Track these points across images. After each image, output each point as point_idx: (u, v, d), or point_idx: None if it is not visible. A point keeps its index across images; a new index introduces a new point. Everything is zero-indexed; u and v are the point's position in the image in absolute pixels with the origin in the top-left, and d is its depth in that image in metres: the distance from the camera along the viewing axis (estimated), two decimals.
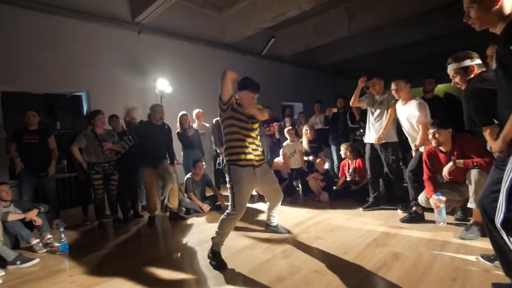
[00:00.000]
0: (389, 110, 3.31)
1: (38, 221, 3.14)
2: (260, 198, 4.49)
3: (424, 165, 2.84)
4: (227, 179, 2.39)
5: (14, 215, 3.00)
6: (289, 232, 2.99)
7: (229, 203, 2.36)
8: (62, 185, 4.79)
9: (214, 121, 5.07)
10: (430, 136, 2.72)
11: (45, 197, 3.80)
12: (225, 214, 2.37)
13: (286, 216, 3.62)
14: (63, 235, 2.95)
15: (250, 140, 2.42)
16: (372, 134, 3.49)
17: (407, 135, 3.25)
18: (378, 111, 3.43)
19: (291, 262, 2.33)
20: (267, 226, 3.06)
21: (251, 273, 2.17)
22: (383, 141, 3.35)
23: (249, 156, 2.38)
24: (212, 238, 2.40)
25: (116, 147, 3.80)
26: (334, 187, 4.57)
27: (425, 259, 2.19)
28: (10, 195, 3.11)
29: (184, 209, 4.13)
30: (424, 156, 2.85)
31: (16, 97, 4.77)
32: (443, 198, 2.60)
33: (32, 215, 3.09)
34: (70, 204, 4.79)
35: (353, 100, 3.65)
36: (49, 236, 3.13)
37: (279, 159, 4.92)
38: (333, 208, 3.84)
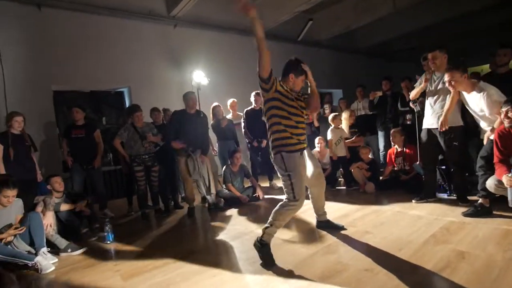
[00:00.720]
0: (452, 93, 2.84)
1: (87, 212, 3.31)
2: None
3: (494, 147, 2.44)
4: (279, 168, 2.19)
5: (66, 206, 3.17)
6: (344, 228, 2.67)
7: (285, 195, 2.16)
8: (109, 177, 5.05)
9: (244, 112, 4.94)
10: (503, 115, 2.32)
11: (93, 188, 4.01)
12: (283, 204, 2.16)
13: (329, 208, 3.35)
14: (108, 226, 3.05)
15: (299, 121, 2.24)
16: (431, 118, 3.08)
17: (476, 119, 2.83)
18: (438, 92, 2.99)
19: (337, 259, 2.13)
20: (318, 222, 2.77)
21: (294, 269, 2.02)
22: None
23: (300, 138, 2.23)
24: (266, 228, 2.17)
25: (156, 139, 3.86)
26: (381, 177, 4.23)
27: (499, 260, 1.87)
28: (62, 187, 3.29)
29: (223, 200, 4.09)
30: (496, 136, 2.45)
31: (66, 96, 5.10)
32: None
33: (82, 205, 3.26)
34: (116, 195, 5.03)
35: (415, 94, 3.26)
36: (96, 225, 3.28)
37: (314, 151, 4.67)
38: (381, 200, 3.54)
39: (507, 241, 2.12)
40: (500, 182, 2.34)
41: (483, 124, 2.76)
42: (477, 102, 2.70)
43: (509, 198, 2.27)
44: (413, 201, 3.28)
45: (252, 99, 4.97)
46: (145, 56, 5.66)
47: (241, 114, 5.13)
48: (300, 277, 1.91)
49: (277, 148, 2.20)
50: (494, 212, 2.64)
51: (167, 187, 4.14)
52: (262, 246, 2.15)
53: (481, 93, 2.64)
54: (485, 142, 2.72)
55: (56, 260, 2.57)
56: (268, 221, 2.19)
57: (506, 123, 2.34)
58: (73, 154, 3.94)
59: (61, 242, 2.79)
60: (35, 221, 2.68)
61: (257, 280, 1.93)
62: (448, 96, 2.91)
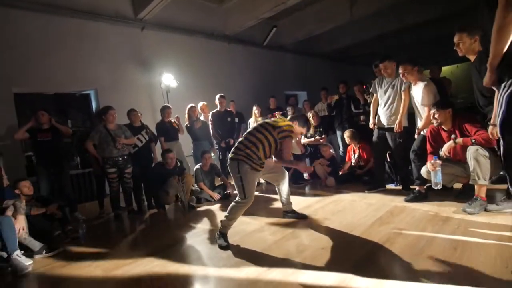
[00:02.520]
0: (403, 97, 3.30)
1: (58, 214, 3.33)
2: (268, 186, 4.62)
3: (427, 141, 2.94)
4: (233, 171, 2.52)
5: (37, 209, 3.18)
6: (306, 217, 3.03)
7: (238, 194, 2.53)
8: (77, 181, 4.98)
9: (210, 114, 5.19)
10: (431, 117, 2.80)
11: (61, 192, 3.99)
12: (235, 201, 2.54)
13: (293, 200, 3.69)
14: (82, 227, 3.12)
15: (267, 151, 2.57)
16: (381, 119, 3.53)
17: (416, 115, 3.30)
18: (388, 95, 3.43)
19: (299, 242, 2.45)
20: (285, 213, 3.11)
21: (261, 252, 2.30)
22: (391, 126, 3.39)
23: (263, 165, 2.61)
24: (221, 221, 2.60)
25: (129, 141, 3.95)
26: (340, 172, 4.66)
27: (428, 233, 2.30)
28: (31, 190, 3.29)
29: (195, 198, 4.27)
30: (428, 133, 2.95)
31: (28, 98, 4.95)
32: (439, 162, 2.71)
33: (53, 208, 3.27)
34: (85, 199, 4.99)
35: (373, 114, 3.67)
36: (69, 227, 3.31)
37: None
38: (339, 192, 3.95)
39: (435, 219, 2.58)
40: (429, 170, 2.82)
41: (419, 122, 3.24)
42: (419, 92, 3.13)
43: (432, 180, 2.75)
44: (366, 191, 3.73)
45: (217, 101, 5.22)
46: (112, 58, 5.63)
47: None
48: (267, 259, 2.19)
49: (241, 157, 2.49)
50: (430, 197, 3.13)
51: (140, 187, 4.22)
52: (221, 235, 2.56)
53: (424, 82, 3.08)
54: (416, 136, 3.21)
55: (31, 262, 2.61)
56: (225, 215, 2.57)
57: (434, 123, 2.82)
58: (39, 158, 3.91)
59: (35, 244, 2.81)
60: (6, 225, 2.66)
61: (229, 264, 2.18)
62: (396, 99, 3.36)
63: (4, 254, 2.59)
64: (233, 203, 2.55)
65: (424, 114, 3.11)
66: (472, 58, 2.49)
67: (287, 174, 3.01)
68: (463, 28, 2.40)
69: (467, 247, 1.99)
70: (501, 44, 1.33)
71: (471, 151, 2.54)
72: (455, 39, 2.47)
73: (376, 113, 3.62)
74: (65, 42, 5.10)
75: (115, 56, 5.67)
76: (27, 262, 2.57)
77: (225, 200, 4.24)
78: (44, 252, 2.79)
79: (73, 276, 2.34)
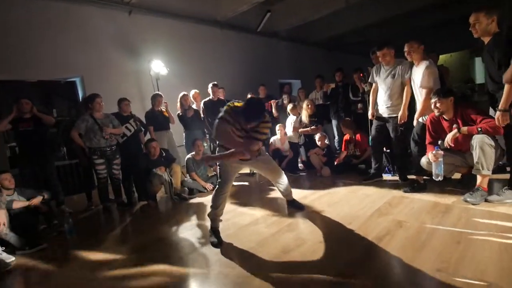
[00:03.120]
0: (406, 88, 3.15)
1: (43, 208, 3.17)
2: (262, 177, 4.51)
3: (427, 131, 2.84)
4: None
5: (19, 203, 3.01)
6: (303, 208, 2.94)
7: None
8: (64, 172, 4.79)
9: (202, 103, 5.00)
10: (432, 106, 2.69)
11: (46, 184, 3.80)
12: (215, 190, 2.46)
13: None
14: (68, 221, 2.98)
15: None
16: (380, 107, 3.40)
17: (415, 98, 3.17)
18: (388, 84, 3.28)
19: (297, 235, 2.36)
20: (287, 201, 3.02)
21: (257, 247, 2.20)
22: (394, 115, 3.26)
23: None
24: (208, 215, 2.49)
25: (117, 131, 3.77)
26: (336, 162, 4.58)
27: (428, 225, 2.22)
28: (13, 183, 3.11)
29: (187, 189, 4.15)
30: (428, 122, 2.84)
31: (10, 86, 4.68)
32: (441, 152, 2.61)
33: (36, 201, 3.11)
34: (73, 191, 4.81)
35: (372, 104, 3.53)
36: (55, 221, 3.17)
37: (275, 138, 4.91)
38: (336, 182, 3.86)
39: (435, 210, 2.51)
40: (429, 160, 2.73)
41: (418, 106, 3.11)
42: (419, 73, 2.96)
43: (433, 172, 2.67)
44: (363, 181, 3.65)
45: (210, 90, 5.04)
46: (98, 44, 5.36)
47: None
48: (262, 253, 2.09)
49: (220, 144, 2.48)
50: (429, 188, 3.05)
51: (130, 179, 4.06)
52: (212, 232, 2.44)
53: (426, 63, 2.92)
54: (414, 123, 3.10)
55: (14, 259, 2.45)
56: (210, 205, 2.46)
57: (436, 112, 2.71)
58: (21, 148, 3.71)
59: (17, 240, 2.66)
60: None
61: (223, 259, 2.07)
62: (396, 88, 3.21)
63: None
64: (213, 193, 2.46)
65: (422, 97, 2.99)
66: (486, 40, 2.35)
67: (281, 173, 2.78)
68: (481, 7, 2.28)
69: (471, 240, 1.93)
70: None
71: (476, 140, 2.45)
72: (471, 19, 2.35)
73: (375, 103, 3.49)
74: (49, 26, 4.82)
75: (102, 42, 5.40)
76: (8, 259, 2.42)
77: None
78: (27, 248, 2.64)
79: (58, 272, 2.21)
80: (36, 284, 2.13)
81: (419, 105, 3.03)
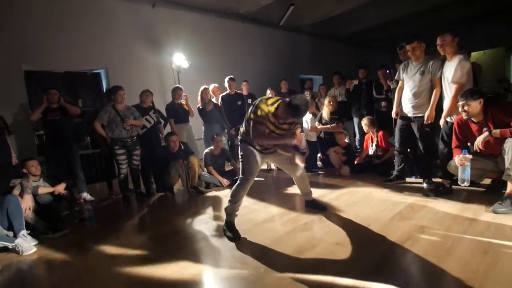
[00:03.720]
0: (436, 87, 2.98)
1: (66, 195, 3.30)
2: (280, 173, 4.47)
3: (453, 134, 2.68)
4: (239, 152, 2.45)
5: (44, 189, 3.15)
6: (325, 208, 2.84)
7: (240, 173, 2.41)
8: (87, 161, 4.96)
9: (220, 97, 4.99)
10: (460, 109, 2.53)
11: (71, 172, 3.95)
12: (236, 183, 2.41)
13: None
14: (89, 208, 3.07)
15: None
16: (406, 105, 3.23)
17: (444, 97, 2.98)
18: (416, 81, 3.10)
19: (312, 235, 2.31)
20: (305, 201, 2.94)
21: (271, 245, 2.16)
22: (420, 114, 3.10)
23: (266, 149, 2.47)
24: (225, 209, 2.46)
25: (137, 123, 3.84)
26: (356, 161, 4.45)
27: (453, 233, 2.10)
28: (39, 170, 3.25)
29: (204, 183, 4.18)
30: (455, 125, 2.69)
31: (38, 76, 4.87)
32: (469, 156, 2.46)
33: (61, 188, 3.24)
34: (95, 179, 4.98)
35: (396, 103, 3.37)
36: (77, 208, 3.28)
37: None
38: (355, 182, 3.75)
39: (461, 217, 2.37)
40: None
41: (445, 105, 2.93)
42: (452, 68, 2.79)
43: (459, 177, 2.52)
44: (384, 182, 3.52)
45: (226, 84, 5.03)
46: (122, 36, 5.47)
47: None
48: (276, 251, 2.06)
49: (242, 137, 2.47)
50: (455, 192, 2.90)
51: (149, 170, 4.14)
52: (228, 227, 2.40)
53: (461, 57, 2.75)
54: (441, 123, 2.94)
55: (37, 242, 2.57)
56: (228, 199, 2.43)
57: (464, 116, 2.55)
58: (48, 137, 3.86)
59: (42, 225, 2.78)
60: (13, 204, 2.63)
61: (236, 255, 2.06)
62: (425, 85, 3.04)
63: (11, 234, 2.56)
64: (234, 185, 2.42)
65: (451, 94, 2.81)
66: None
67: (300, 170, 2.68)
68: None
69: (500, 251, 1.80)
70: None
71: (509, 144, 2.28)
72: None
73: (399, 102, 3.34)
74: (76, 18, 4.98)
75: (126, 34, 5.51)
76: (32, 242, 2.54)
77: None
78: (50, 233, 2.75)
79: (76, 259, 2.28)
80: (56, 268, 2.20)
81: (448, 102, 2.86)
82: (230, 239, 2.31)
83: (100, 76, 5.51)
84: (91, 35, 5.10)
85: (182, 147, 4.02)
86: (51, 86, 3.95)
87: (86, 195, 3.93)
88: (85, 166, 4.82)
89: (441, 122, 2.94)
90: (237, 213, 2.46)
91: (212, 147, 4.27)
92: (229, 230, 2.37)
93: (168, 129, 4.50)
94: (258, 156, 2.42)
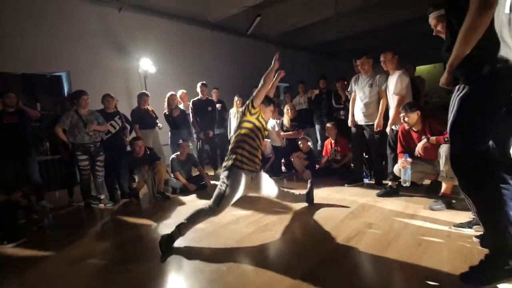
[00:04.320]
0: (382, 98, 3.36)
1: (23, 202, 3.17)
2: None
3: (398, 142, 3.03)
4: (223, 175, 2.37)
5: None
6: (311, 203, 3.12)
7: (212, 199, 2.34)
8: (46, 167, 4.75)
9: (191, 102, 5.07)
10: (402, 120, 2.88)
11: (28, 178, 3.78)
12: (205, 207, 2.34)
13: None
14: (50, 215, 2.99)
15: (260, 147, 2.54)
16: (358, 115, 3.58)
17: (389, 107, 3.36)
18: (365, 93, 3.48)
19: (272, 235, 2.46)
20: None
21: (235, 245, 2.29)
22: (370, 123, 3.46)
23: (256, 161, 2.51)
24: (180, 225, 2.28)
25: (101, 128, 3.80)
26: (317, 166, 4.73)
27: (395, 228, 2.37)
28: None
29: (170, 188, 4.20)
30: (399, 133, 3.03)
31: None
32: (410, 160, 2.83)
33: (17, 196, 3.11)
34: (54, 187, 4.77)
35: (351, 112, 3.71)
36: (34, 216, 3.17)
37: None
38: (316, 186, 3.98)
39: (404, 214, 2.68)
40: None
41: (390, 114, 3.30)
42: (393, 82, 3.20)
43: (402, 178, 2.86)
44: (345, 185, 3.81)
45: (199, 89, 5.12)
46: (86, 39, 5.35)
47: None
48: (239, 251, 2.19)
49: (234, 160, 2.39)
50: (400, 193, 3.24)
51: (113, 176, 4.08)
52: (169, 241, 2.24)
53: (400, 72, 3.16)
54: (387, 130, 3.30)
55: None
56: (185, 218, 2.31)
57: (406, 126, 2.91)
58: (4, 142, 3.68)
59: None
60: None
61: (201, 256, 2.15)
62: (373, 97, 3.42)
63: None
64: (200, 208, 2.34)
65: (394, 104, 3.18)
66: None
67: (277, 187, 2.84)
68: None
69: (431, 243, 2.08)
70: (467, 47, 1.31)
71: (443, 149, 2.63)
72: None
73: (353, 111, 3.67)
74: (36, 19, 4.80)
75: (90, 37, 5.40)
76: None
77: (201, 190, 4.19)
78: (5, 242, 2.65)
79: (35, 267, 2.24)
80: (13, 278, 2.14)
81: (392, 112, 3.22)
82: (161, 249, 2.20)
83: (61, 79, 5.32)
84: (53, 37, 4.94)
85: (148, 152, 4.02)
86: (7, 88, 3.78)
87: (44, 203, 3.77)
88: (44, 172, 4.62)
89: (388, 129, 3.29)
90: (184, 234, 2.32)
91: (178, 153, 4.32)
92: (166, 243, 2.22)
93: (134, 135, 4.47)
94: (242, 188, 2.38)
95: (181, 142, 4.30)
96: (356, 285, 1.67)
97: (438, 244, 2.05)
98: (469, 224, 2.19)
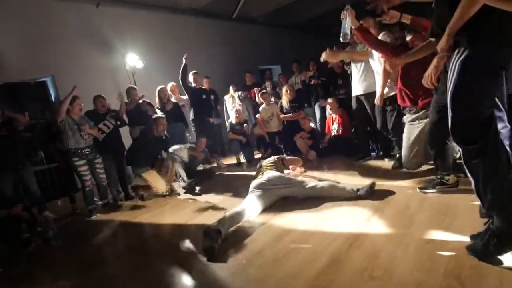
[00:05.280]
0: (382, 69, 3.08)
1: (25, 216, 3.05)
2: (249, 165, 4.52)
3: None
4: None
5: None
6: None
7: None
8: (43, 177, 4.60)
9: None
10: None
11: (26, 191, 3.65)
12: None
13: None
14: (54, 226, 2.88)
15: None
16: (357, 86, 3.44)
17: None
18: (362, 62, 3.32)
19: (288, 221, 2.37)
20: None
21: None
22: (368, 92, 3.32)
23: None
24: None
25: (94, 132, 3.68)
26: (321, 145, 4.62)
27: (414, 200, 2.28)
28: None
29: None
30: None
31: None
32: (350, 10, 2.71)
33: (18, 211, 2.98)
34: (54, 196, 4.64)
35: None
36: (38, 229, 3.06)
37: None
38: (322, 165, 3.91)
39: (421, 182, 2.57)
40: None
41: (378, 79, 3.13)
42: None
43: (341, 32, 2.64)
44: (354, 161, 3.70)
45: (191, 79, 4.97)
46: (67, 40, 5.09)
47: (183, 97, 5.13)
48: (257, 239, 2.10)
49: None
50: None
51: (115, 178, 3.95)
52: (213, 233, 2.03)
53: (383, 33, 2.99)
54: (378, 101, 3.14)
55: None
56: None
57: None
58: None
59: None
60: None
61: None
62: (369, 66, 3.24)
63: None
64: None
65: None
66: None
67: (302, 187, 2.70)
68: None
69: (455, 210, 1.99)
70: (469, 11, 1.23)
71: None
72: None
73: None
74: (13, 23, 4.52)
75: (70, 37, 5.14)
76: None
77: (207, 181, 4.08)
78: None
79: (46, 279, 2.14)
80: None
81: (379, 80, 3.05)
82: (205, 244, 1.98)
83: (46, 85, 5.10)
84: (31, 41, 4.68)
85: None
86: None
87: (47, 214, 3.65)
88: (42, 182, 4.48)
89: (378, 100, 3.13)
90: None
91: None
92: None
93: (126, 133, 4.31)
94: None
95: (200, 139, 4.41)
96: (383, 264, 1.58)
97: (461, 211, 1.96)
98: (432, 185, 2.26)
